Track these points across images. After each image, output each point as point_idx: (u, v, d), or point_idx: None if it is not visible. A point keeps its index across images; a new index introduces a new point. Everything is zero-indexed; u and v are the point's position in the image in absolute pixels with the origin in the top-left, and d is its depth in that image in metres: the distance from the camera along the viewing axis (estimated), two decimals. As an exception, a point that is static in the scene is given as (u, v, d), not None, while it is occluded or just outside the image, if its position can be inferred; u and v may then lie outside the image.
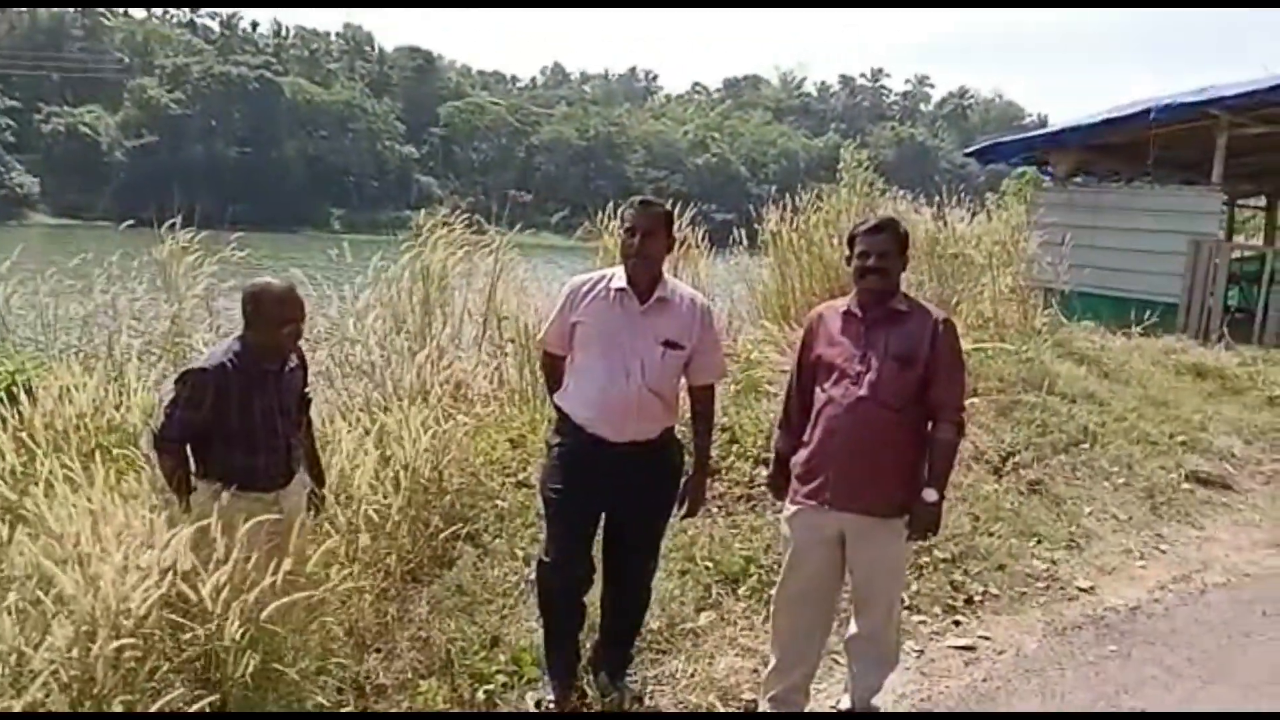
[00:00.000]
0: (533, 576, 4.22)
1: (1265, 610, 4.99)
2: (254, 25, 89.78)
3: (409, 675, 3.69)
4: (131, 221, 7.07)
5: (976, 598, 4.88)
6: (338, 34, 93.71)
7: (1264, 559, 5.78)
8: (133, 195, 48.74)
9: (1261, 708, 3.99)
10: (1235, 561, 5.69)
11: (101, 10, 77.01)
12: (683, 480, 3.67)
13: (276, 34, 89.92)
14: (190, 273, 5.90)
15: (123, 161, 65.90)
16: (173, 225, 6.00)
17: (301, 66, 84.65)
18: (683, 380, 3.63)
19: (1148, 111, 12.15)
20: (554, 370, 3.71)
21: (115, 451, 4.14)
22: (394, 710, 3.52)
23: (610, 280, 3.48)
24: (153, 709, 2.69)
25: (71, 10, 74.40)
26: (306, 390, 3.68)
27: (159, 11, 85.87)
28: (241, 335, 3.37)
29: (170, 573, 2.79)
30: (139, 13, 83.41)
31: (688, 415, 3.77)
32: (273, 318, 3.31)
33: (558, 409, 3.61)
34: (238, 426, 3.27)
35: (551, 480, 3.58)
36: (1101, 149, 14.01)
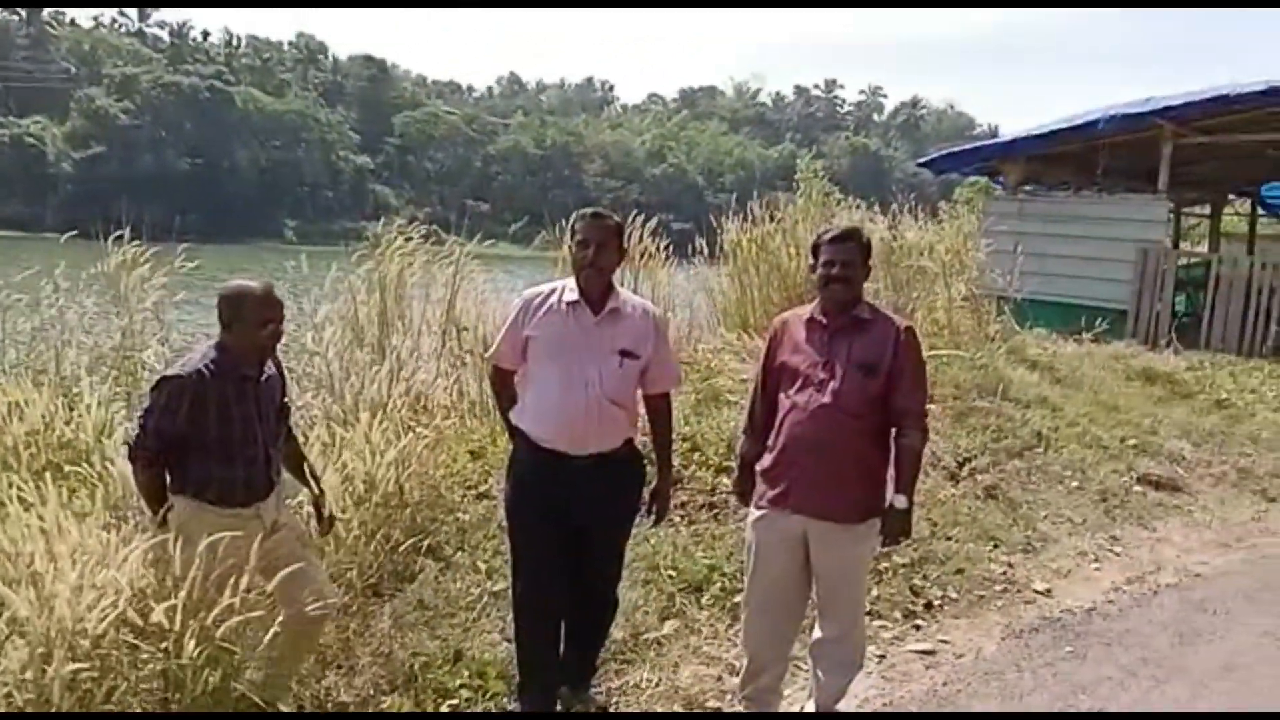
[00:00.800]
0: (495, 589, 4.22)
1: (1215, 610, 5.10)
2: (205, 34, 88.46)
3: (371, 691, 3.65)
4: (74, 232, 6.92)
5: (936, 602, 4.93)
6: (290, 43, 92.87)
7: (1213, 559, 5.91)
8: (80, 207, 47.75)
9: (1214, 704, 4.08)
10: (1186, 562, 5.81)
11: (47, 19, 75.60)
12: (646, 489, 3.68)
13: (228, 43, 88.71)
14: (140, 285, 5.80)
15: (70, 173, 64.59)
16: (119, 237, 5.88)
17: (253, 76, 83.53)
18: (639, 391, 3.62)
19: (1096, 122, 12.42)
20: (504, 386, 3.68)
21: (67, 468, 4.07)
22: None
23: (562, 293, 3.46)
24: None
25: (15, 18, 72.96)
26: (285, 399, 3.61)
27: (107, 20, 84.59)
28: (219, 341, 3.31)
29: (128, 591, 2.73)
30: (86, 21, 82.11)
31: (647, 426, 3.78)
32: (253, 318, 3.25)
33: (514, 429, 3.57)
34: (215, 435, 3.20)
35: (518, 511, 3.55)
36: (1051, 159, 14.28)
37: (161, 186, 59.07)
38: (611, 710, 3.75)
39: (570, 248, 3.51)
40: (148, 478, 3.25)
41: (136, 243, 5.92)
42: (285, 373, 3.69)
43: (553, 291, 3.50)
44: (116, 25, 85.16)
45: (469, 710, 3.61)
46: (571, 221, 3.51)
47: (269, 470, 3.38)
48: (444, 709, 3.59)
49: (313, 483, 3.70)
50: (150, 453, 3.21)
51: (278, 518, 3.40)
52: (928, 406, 3.67)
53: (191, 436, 3.19)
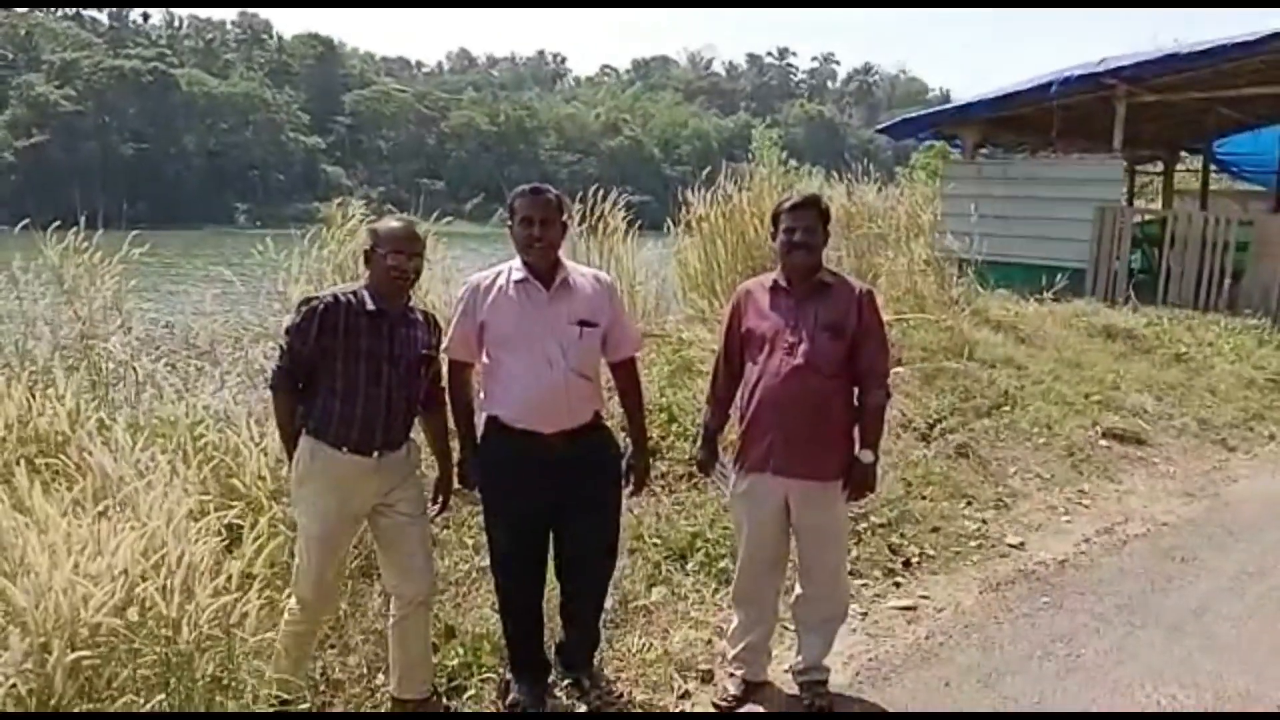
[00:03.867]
0: (483, 565, 4.23)
1: (1183, 557, 5.26)
2: (145, 16, 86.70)
3: (365, 670, 3.67)
4: (26, 221, 6.77)
5: (914, 559, 5.04)
6: (233, 23, 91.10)
7: (1178, 508, 6.08)
8: (27, 197, 46.83)
9: (1186, 646, 4.21)
10: (1153, 512, 5.98)
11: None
12: (623, 459, 3.69)
13: (169, 25, 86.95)
14: (90, 274, 5.68)
15: (13, 162, 63.09)
16: (58, 227, 5.75)
17: (197, 58, 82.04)
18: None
19: (1049, 84, 12.52)
20: (461, 382, 3.58)
21: (40, 461, 4.01)
22: (355, 710, 3.50)
23: (509, 274, 3.43)
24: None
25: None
26: (428, 351, 3.44)
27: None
28: (366, 280, 3.37)
29: (123, 579, 2.72)
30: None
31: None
32: (383, 249, 3.27)
33: (473, 421, 3.53)
34: (340, 368, 3.20)
35: (494, 496, 3.54)
36: (1007, 121, 14.39)
37: (107, 174, 58.01)
38: (608, 671, 3.79)
39: (511, 227, 3.47)
40: (286, 408, 3.29)
41: (84, 231, 5.77)
42: (440, 324, 3.58)
43: (499, 274, 3.46)
44: (53, 9, 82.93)
45: (462, 688, 3.64)
46: (510, 200, 3.47)
47: (389, 418, 3.30)
48: (439, 684, 3.62)
49: (442, 460, 3.65)
50: (288, 377, 3.25)
51: (399, 486, 3.38)
52: (895, 370, 3.76)
53: (320, 365, 3.21)
